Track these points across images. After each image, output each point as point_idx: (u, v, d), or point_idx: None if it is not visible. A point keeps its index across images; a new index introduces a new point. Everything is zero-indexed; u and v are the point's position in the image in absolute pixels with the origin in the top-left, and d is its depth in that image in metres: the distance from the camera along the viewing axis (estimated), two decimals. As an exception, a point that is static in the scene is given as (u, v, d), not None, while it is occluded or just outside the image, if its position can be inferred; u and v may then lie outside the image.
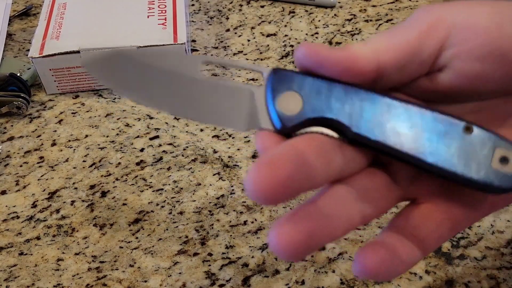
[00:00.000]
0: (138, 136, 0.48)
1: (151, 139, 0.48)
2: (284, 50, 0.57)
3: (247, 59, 0.56)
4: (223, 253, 0.40)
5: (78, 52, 0.49)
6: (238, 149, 0.47)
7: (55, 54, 0.49)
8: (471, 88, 0.23)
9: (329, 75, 0.22)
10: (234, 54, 0.56)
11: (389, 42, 0.22)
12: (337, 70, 0.22)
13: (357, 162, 0.23)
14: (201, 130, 0.49)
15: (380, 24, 0.59)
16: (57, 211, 0.43)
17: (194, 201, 0.43)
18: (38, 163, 0.46)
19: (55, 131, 0.49)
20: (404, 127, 0.22)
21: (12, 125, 0.50)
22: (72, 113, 0.51)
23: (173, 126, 0.49)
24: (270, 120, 0.23)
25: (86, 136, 0.49)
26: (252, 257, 0.39)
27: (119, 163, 0.46)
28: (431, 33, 0.22)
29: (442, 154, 0.22)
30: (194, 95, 0.23)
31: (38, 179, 0.45)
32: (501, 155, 0.21)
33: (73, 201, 0.43)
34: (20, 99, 0.49)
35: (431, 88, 0.24)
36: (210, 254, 0.40)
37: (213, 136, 0.48)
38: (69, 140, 0.48)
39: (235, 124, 0.23)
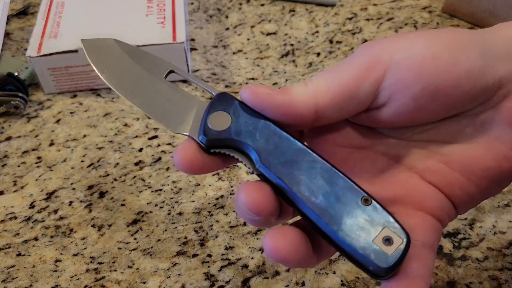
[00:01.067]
0: (136, 136, 0.48)
1: (149, 139, 0.48)
2: (284, 49, 0.56)
3: (246, 58, 0.55)
4: (222, 254, 0.39)
5: (76, 51, 0.49)
6: (238, 149, 0.47)
7: (53, 54, 0.49)
8: (409, 121, 0.24)
9: (270, 117, 0.24)
10: (234, 53, 0.56)
11: (328, 84, 0.23)
12: (277, 114, 0.23)
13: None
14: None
15: (381, 23, 0.59)
16: (55, 211, 0.42)
17: (193, 201, 0.43)
18: (36, 163, 0.46)
19: (53, 131, 0.49)
20: (308, 179, 0.23)
21: (9, 125, 0.49)
22: (70, 112, 0.50)
23: (172, 125, 0.49)
24: (198, 129, 0.25)
25: (84, 136, 0.48)
26: (252, 258, 0.39)
27: (118, 163, 0.46)
28: (368, 74, 0.23)
29: (333, 213, 0.23)
30: (152, 92, 0.27)
31: (36, 180, 0.45)
32: (387, 235, 0.22)
33: (71, 202, 0.43)
34: (18, 98, 0.49)
35: (370, 121, 0.25)
36: (209, 255, 0.39)
37: (212, 136, 0.48)
38: (67, 140, 0.48)
39: (171, 123, 0.26)
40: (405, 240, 0.22)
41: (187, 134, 0.26)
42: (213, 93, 0.26)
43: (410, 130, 0.26)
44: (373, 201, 0.23)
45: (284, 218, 0.26)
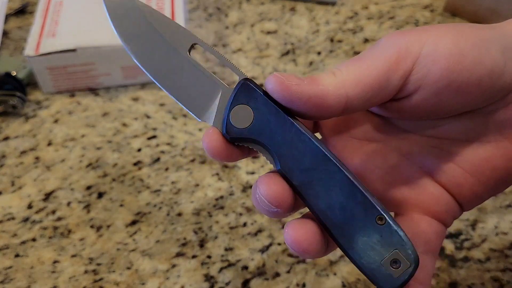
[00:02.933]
0: (135, 136, 0.48)
1: (148, 139, 0.47)
2: (285, 48, 0.56)
3: (246, 57, 0.55)
4: (222, 256, 0.39)
5: (74, 50, 0.49)
6: (238, 149, 0.46)
7: (51, 53, 0.49)
8: (426, 114, 0.25)
9: (298, 109, 0.23)
10: (234, 52, 0.55)
11: (358, 75, 0.23)
12: (306, 107, 0.23)
13: None
14: (200, 129, 0.48)
15: (382, 22, 0.59)
16: (53, 212, 0.42)
17: (193, 202, 0.43)
18: (34, 163, 0.46)
19: (51, 130, 0.48)
20: (326, 191, 0.23)
21: (7, 125, 0.49)
22: (69, 112, 0.50)
23: (171, 125, 0.48)
24: (221, 123, 0.24)
25: (83, 135, 0.48)
26: (252, 259, 0.39)
27: (116, 164, 0.45)
28: (398, 66, 0.23)
29: (346, 228, 0.23)
30: (177, 68, 0.26)
31: (34, 180, 0.44)
32: (395, 258, 0.22)
33: (69, 202, 0.43)
34: (16, 98, 0.49)
35: (389, 111, 0.25)
36: (209, 257, 0.39)
37: (212, 136, 0.47)
38: (65, 140, 0.48)
39: (196, 109, 0.25)
40: (413, 265, 0.22)
41: (212, 125, 0.25)
42: (239, 76, 0.25)
43: (424, 124, 0.26)
44: (388, 220, 0.23)
45: (299, 207, 0.26)
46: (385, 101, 0.24)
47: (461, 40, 0.23)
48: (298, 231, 0.23)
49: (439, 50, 0.22)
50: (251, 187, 0.43)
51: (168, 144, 0.47)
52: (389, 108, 0.25)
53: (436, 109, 0.24)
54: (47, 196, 0.43)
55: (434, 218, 0.26)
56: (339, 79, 0.23)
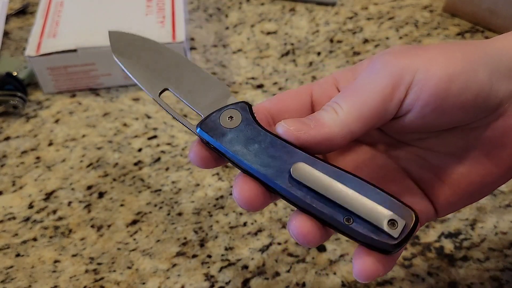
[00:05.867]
0: (136, 136, 0.48)
1: (149, 138, 0.48)
2: (284, 49, 0.56)
3: (246, 57, 0.55)
4: (222, 255, 0.39)
5: (75, 50, 0.49)
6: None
7: (52, 53, 0.49)
8: (411, 131, 0.27)
9: (307, 151, 0.25)
10: (234, 52, 0.56)
11: (359, 111, 0.24)
12: (316, 149, 0.25)
13: None
14: (200, 129, 0.48)
15: (381, 23, 0.59)
16: (54, 212, 0.42)
17: (193, 202, 0.43)
18: (34, 163, 0.46)
19: (52, 130, 0.49)
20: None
21: (8, 125, 0.49)
22: (69, 112, 0.50)
23: (172, 125, 0.49)
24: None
25: (83, 136, 0.48)
26: (252, 259, 0.39)
27: (117, 163, 0.46)
28: (393, 96, 0.24)
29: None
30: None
31: (35, 180, 0.45)
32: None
33: (70, 202, 0.43)
34: (17, 98, 0.49)
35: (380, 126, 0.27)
36: (209, 256, 0.39)
37: (212, 136, 0.48)
38: (66, 140, 0.48)
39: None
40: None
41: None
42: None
43: (411, 136, 0.28)
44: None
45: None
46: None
47: (451, 65, 0.24)
48: (302, 223, 0.24)
49: (429, 77, 0.24)
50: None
51: (169, 144, 0.47)
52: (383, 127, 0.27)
53: (422, 128, 0.26)
54: (48, 196, 0.43)
55: None
56: (342, 118, 0.24)
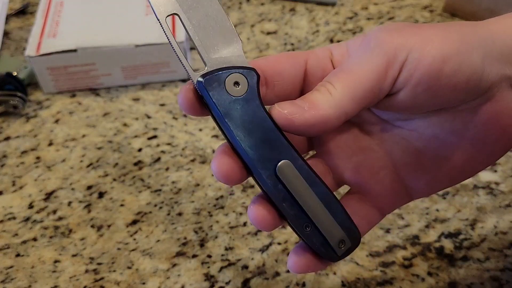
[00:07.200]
0: (136, 136, 0.48)
1: (149, 139, 0.48)
2: (285, 49, 0.56)
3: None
4: (222, 255, 0.39)
5: (75, 50, 0.49)
6: (238, 149, 0.46)
7: (52, 53, 0.49)
8: (400, 111, 0.26)
9: (302, 134, 0.25)
10: (234, 52, 0.55)
11: (353, 92, 0.24)
12: (311, 132, 0.24)
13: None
14: (200, 129, 0.48)
15: (381, 22, 0.59)
16: (54, 212, 0.42)
17: (193, 202, 0.43)
18: (34, 163, 0.46)
19: (52, 130, 0.49)
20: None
21: (8, 125, 0.49)
22: (69, 112, 0.50)
23: (172, 125, 0.49)
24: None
25: (83, 136, 0.48)
26: (252, 259, 0.39)
27: (117, 163, 0.46)
28: (387, 74, 0.24)
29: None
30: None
31: (35, 180, 0.45)
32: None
33: (70, 202, 0.43)
34: (17, 98, 0.49)
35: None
36: (209, 256, 0.39)
37: (212, 136, 0.48)
38: (66, 140, 0.48)
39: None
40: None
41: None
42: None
43: (397, 116, 0.27)
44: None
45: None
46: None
47: (446, 46, 0.24)
48: (260, 210, 0.25)
49: (424, 56, 0.23)
50: (251, 187, 0.43)
51: (169, 144, 0.47)
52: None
53: (411, 107, 0.25)
54: (48, 196, 0.43)
55: (376, 208, 0.28)
56: (336, 98, 0.24)
